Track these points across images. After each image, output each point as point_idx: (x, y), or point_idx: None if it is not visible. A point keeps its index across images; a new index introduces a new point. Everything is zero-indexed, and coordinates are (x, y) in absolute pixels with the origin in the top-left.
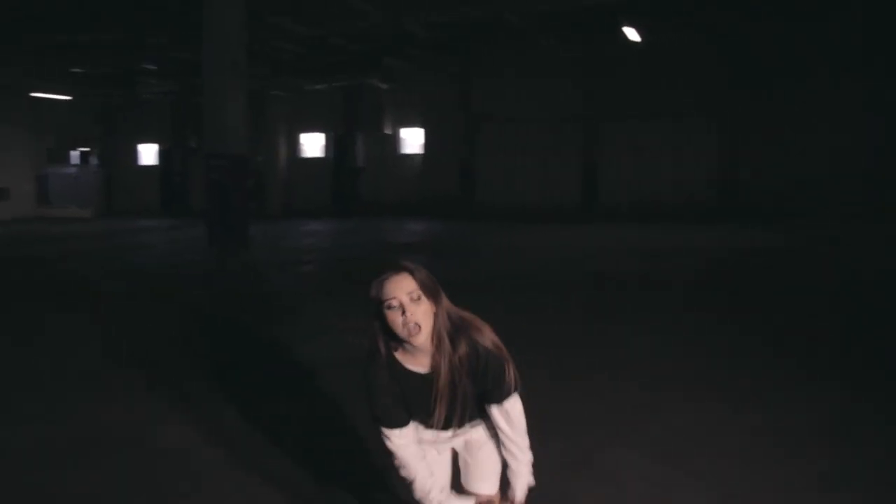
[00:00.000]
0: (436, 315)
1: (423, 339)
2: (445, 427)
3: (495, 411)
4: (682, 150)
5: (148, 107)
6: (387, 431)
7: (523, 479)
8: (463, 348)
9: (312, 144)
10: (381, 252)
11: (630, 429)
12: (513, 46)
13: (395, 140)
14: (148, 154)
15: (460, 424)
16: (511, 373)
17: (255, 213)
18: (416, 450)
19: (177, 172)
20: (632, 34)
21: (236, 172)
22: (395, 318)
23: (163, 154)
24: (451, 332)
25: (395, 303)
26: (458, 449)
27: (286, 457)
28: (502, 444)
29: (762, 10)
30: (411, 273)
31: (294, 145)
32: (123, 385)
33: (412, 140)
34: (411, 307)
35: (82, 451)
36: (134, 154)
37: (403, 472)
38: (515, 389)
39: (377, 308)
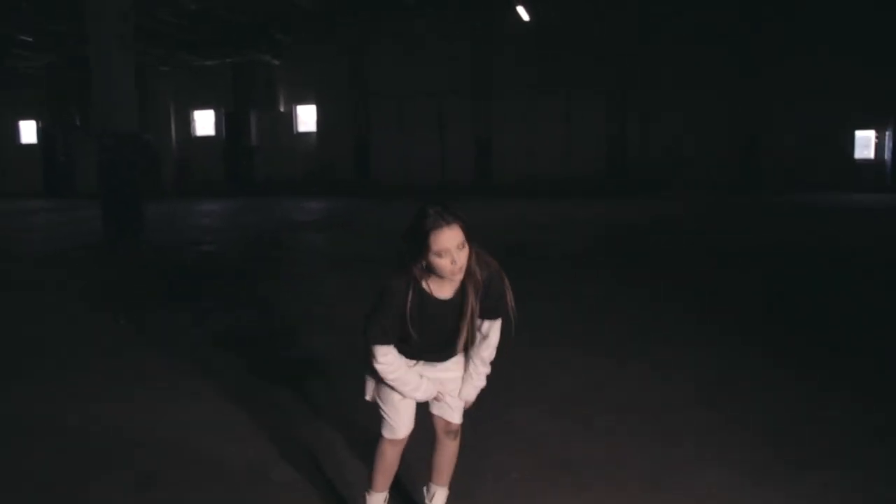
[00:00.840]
0: (471, 254)
1: (462, 275)
2: (454, 352)
3: (486, 324)
4: (573, 126)
5: (25, 81)
6: (379, 349)
7: (479, 383)
8: (480, 274)
9: (206, 122)
10: (280, 230)
11: (527, 388)
12: (404, 21)
13: (290, 118)
14: (28, 132)
15: (465, 348)
16: (509, 297)
17: (148, 193)
18: (403, 361)
19: (60, 152)
20: (523, 13)
21: (128, 151)
22: (444, 264)
23: (44, 132)
24: (474, 263)
25: (445, 253)
26: (436, 384)
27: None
28: (473, 354)
29: None
30: (462, 224)
31: (186, 123)
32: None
33: (308, 118)
34: (459, 255)
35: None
36: (13, 131)
37: (393, 377)
38: (505, 313)
39: (421, 248)
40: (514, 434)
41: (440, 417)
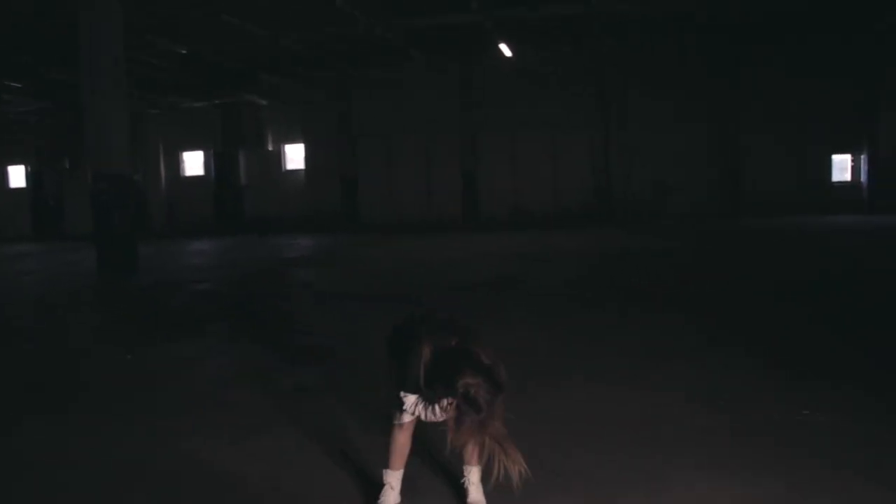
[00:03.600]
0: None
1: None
2: None
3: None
4: (558, 160)
5: (14, 126)
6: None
7: None
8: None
9: (195, 163)
10: (271, 267)
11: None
12: (388, 62)
13: (278, 156)
14: (17, 176)
15: None
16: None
17: (137, 234)
18: None
19: (50, 195)
20: (505, 50)
21: (122, 193)
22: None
23: (33, 176)
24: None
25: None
26: None
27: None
28: None
29: (626, 33)
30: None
31: (175, 164)
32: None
33: (296, 156)
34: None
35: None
36: (2, 176)
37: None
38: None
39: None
40: None
41: None
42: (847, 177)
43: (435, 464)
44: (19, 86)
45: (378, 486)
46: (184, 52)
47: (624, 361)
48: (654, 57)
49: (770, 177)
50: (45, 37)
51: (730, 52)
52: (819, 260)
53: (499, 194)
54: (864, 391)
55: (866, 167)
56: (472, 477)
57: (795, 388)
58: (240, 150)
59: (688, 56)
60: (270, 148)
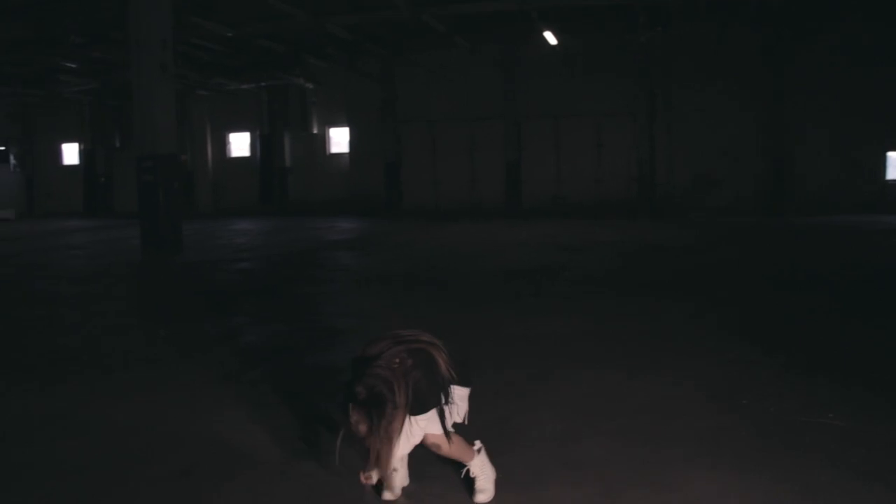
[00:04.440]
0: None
1: None
2: None
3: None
4: (601, 149)
5: (68, 105)
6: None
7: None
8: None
9: (241, 144)
10: (312, 249)
11: (536, 396)
12: (433, 47)
13: (323, 139)
14: (71, 153)
15: None
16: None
17: (184, 213)
18: None
19: (101, 173)
20: (550, 38)
21: (167, 173)
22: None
23: (85, 154)
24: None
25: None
26: None
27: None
28: None
29: (672, 20)
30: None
31: (222, 145)
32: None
33: (341, 139)
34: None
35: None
36: (57, 154)
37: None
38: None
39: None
40: (519, 435)
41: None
42: None
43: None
44: (74, 66)
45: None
46: (230, 34)
47: (647, 353)
48: (701, 45)
49: (820, 172)
50: (96, 18)
51: (779, 41)
52: (868, 258)
53: (541, 183)
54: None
55: None
56: (474, 469)
57: (818, 389)
58: (285, 132)
59: (735, 44)
60: (315, 131)
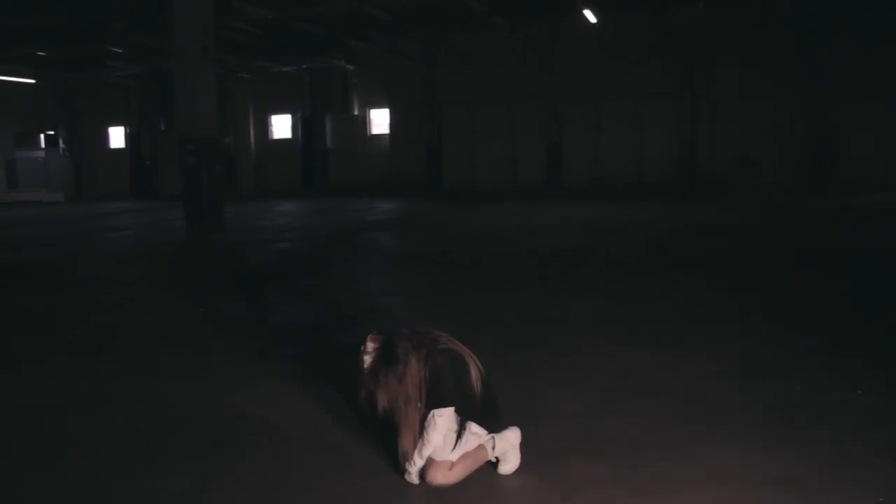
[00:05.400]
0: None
1: None
2: None
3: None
4: (641, 130)
5: (114, 90)
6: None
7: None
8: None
9: (282, 126)
10: (352, 229)
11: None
12: (474, 28)
13: (363, 121)
14: (117, 137)
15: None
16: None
17: (226, 195)
18: None
19: (146, 156)
20: (590, 16)
21: (209, 156)
22: None
23: (131, 137)
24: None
25: None
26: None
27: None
28: None
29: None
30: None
31: (264, 127)
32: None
33: (381, 121)
34: None
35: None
36: (103, 137)
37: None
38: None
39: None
40: (545, 410)
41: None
42: None
43: None
44: (119, 51)
45: None
46: (270, 17)
47: (672, 331)
48: (743, 25)
49: (863, 151)
50: (139, 3)
51: (824, 19)
52: None
53: (581, 163)
54: None
55: None
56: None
57: (848, 371)
58: (326, 114)
59: (778, 23)
60: (356, 112)
